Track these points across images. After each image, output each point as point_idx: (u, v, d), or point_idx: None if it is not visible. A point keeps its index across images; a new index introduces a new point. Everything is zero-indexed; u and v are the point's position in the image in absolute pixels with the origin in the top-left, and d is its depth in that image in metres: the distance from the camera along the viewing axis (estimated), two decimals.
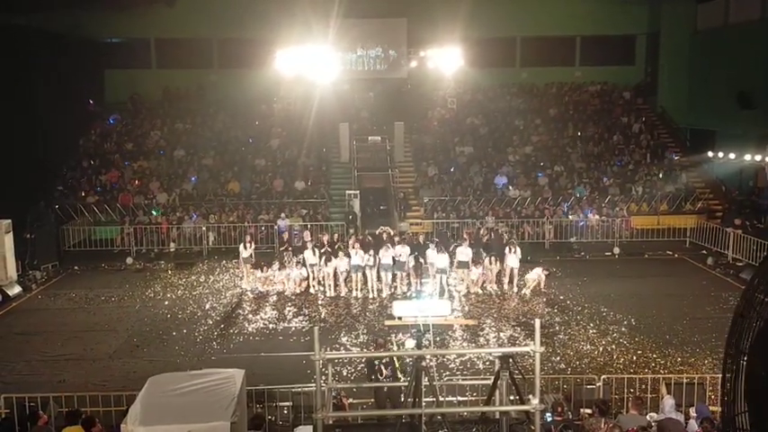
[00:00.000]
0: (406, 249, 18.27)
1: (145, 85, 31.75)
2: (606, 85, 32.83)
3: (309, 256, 18.45)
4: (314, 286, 18.48)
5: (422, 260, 18.50)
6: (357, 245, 18.30)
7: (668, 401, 10.32)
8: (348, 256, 18.20)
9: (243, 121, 30.34)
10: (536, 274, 18.28)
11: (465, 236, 19.88)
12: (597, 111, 31.53)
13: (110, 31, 30.97)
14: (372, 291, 18.13)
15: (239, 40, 31.04)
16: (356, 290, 18.13)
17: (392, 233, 20.16)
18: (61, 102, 26.15)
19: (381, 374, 10.22)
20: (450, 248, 18.55)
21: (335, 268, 18.21)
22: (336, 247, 18.92)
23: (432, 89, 31.04)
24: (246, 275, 19.03)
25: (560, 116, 30.98)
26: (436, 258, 17.85)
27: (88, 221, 24.11)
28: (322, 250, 18.56)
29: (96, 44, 30.70)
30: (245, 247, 19.08)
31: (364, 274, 18.17)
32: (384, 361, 10.43)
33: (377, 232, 20.38)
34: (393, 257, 17.96)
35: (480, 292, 18.27)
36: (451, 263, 18.21)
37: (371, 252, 18.10)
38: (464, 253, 18.18)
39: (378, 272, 18.20)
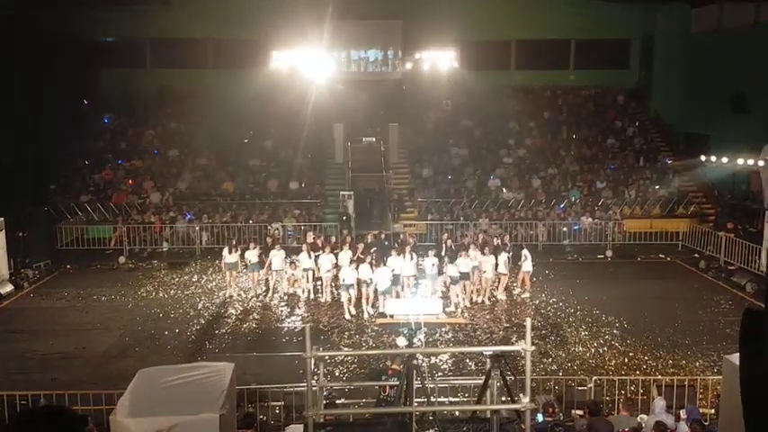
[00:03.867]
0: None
1: (140, 85, 31.67)
2: (600, 88, 32.89)
3: (304, 258, 17.85)
4: (307, 290, 17.87)
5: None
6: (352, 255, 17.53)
7: (659, 403, 10.36)
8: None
9: (237, 121, 30.29)
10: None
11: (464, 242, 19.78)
12: (591, 114, 31.62)
13: (105, 31, 30.90)
14: (367, 310, 16.79)
15: (234, 40, 30.98)
16: (348, 312, 16.54)
17: (383, 235, 20.05)
18: (56, 100, 26.07)
19: (385, 392, 10.19)
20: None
21: (331, 270, 17.60)
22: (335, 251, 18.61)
23: (427, 91, 31.05)
24: (230, 281, 18.40)
25: (554, 119, 31.04)
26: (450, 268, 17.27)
27: (81, 220, 24.05)
28: (317, 253, 18.05)
29: (91, 43, 30.61)
30: (230, 252, 18.16)
31: (359, 288, 17.01)
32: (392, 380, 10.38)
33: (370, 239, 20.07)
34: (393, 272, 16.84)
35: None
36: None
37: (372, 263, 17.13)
38: (464, 263, 17.45)
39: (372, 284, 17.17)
